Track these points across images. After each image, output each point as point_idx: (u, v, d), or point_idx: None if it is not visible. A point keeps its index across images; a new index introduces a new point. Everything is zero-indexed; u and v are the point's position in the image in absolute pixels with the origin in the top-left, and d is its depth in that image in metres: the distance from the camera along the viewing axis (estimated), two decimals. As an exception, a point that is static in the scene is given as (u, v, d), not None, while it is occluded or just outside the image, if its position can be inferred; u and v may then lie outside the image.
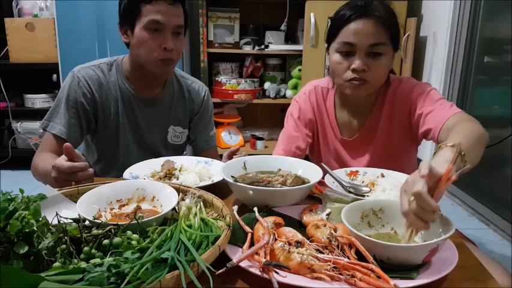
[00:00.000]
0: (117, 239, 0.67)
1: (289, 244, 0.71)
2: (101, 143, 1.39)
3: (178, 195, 0.87)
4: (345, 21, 1.13)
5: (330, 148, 1.33)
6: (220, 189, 1.03)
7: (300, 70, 3.08)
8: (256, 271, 0.66)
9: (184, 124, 1.47)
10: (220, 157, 1.32)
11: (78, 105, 1.29)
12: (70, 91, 1.29)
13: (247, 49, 3.16)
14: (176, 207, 0.82)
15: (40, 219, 0.68)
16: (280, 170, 1.08)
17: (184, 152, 1.56)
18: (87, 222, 0.75)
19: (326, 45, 1.24)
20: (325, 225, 0.77)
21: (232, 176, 1.03)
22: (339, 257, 0.68)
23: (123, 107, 1.35)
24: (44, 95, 3.16)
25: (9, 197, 0.70)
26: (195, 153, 1.52)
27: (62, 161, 0.97)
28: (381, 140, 1.27)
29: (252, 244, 0.74)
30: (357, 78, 1.13)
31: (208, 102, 1.51)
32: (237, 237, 0.77)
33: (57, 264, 0.61)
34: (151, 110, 1.39)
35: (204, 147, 1.51)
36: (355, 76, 1.13)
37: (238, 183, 0.95)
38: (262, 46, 3.14)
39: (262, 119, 3.58)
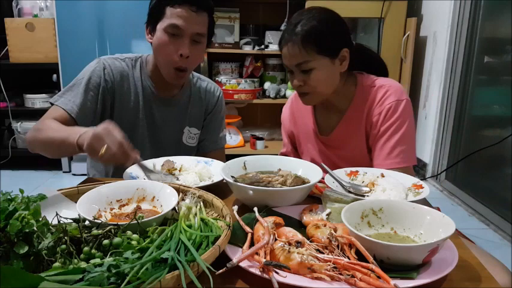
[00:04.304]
0: (117, 239, 0.67)
1: (289, 244, 0.71)
2: None
3: (178, 195, 0.87)
4: (280, 46, 1.25)
5: (314, 146, 1.38)
6: (220, 189, 1.03)
7: (300, 70, 3.08)
8: (256, 271, 0.66)
9: (198, 125, 1.46)
10: (226, 158, 1.32)
11: (99, 89, 1.27)
12: (93, 74, 1.28)
13: (247, 49, 3.16)
14: (176, 207, 0.82)
15: (40, 219, 0.68)
16: (280, 170, 1.08)
17: None
18: (87, 222, 0.75)
19: None
20: (325, 225, 0.77)
21: (232, 176, 1.03)
22: (339, 257, 0.68)
23: (143, 104, 1.35)
24: (44, 95, 3.16)
25: (9, 197, 0.70)
26: (202, 153, 1.48)
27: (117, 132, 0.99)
28: (358, 137, 1.30)
29: (252, 244, 0.74)
30: (299, 93, 1.27)
31: (222, 103, 1.51)
32: (237, 237, 0.77)
33: (57, 264, 0.61)
34: (168, 110, 1.39)
35: (212, 148, 1.50)
36: (298, 91, 1.27)
37: (238, 183, 0.95)
38: (262, 46, 3.14)
39: (262, 119, 3.58)
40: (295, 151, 1.48)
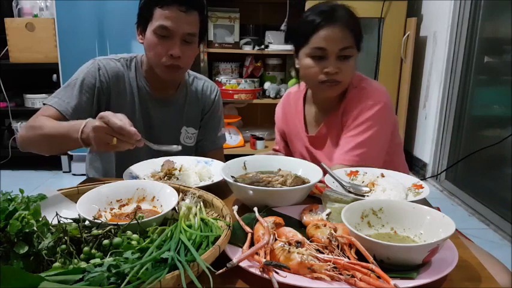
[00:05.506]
0: (117, 239, 0.67)
1: (289, 244, 0.71)
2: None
3: (178, 195, 0.87)
4: (315, 28, 1.19)
5: (302, 144, 1.41)
6: (220, 189, 1.03)
7: (300, 70, 3.08)
8: (256, 271, 0.66)
9: (196, 125, 1.46)
10: (225, 158, 1.31)
11: (94, 91, 1.26)
12: (87, 75, 1.27)
13: (247, 49, 3.16)
14: (176, 207, 0.82)
15: (40, 219, 0.68)
16: (280, 170, 1.08)
17: None
18: (87, 222, 0.75)
19: (293, 48, 1.31)
20: (325, 225, 0.77)
21: (232, 176, 1.03)
22: (339, 257, 0.68)
23: (139, 104, 1.34)
24: (44, 95, 3.16)
25: (9, 197, 0.70)
26: (201, 152, 1.48)
27: (115, 118, 0.95)
28: (336, 136, 1.31)
29: (252, 244, 0.74)
30: (330, 81, 1.20)
31: (219, 102, 1.50)
32: (237, 237, 0.77)
33: (57, 264, 0.61)
34: (165, 110, 1.38)
35: (210, 147, 1.49)
36: (328, 78, 1.20)
37: (238, 183, 0.95)
38: (262, 46, 3.14)
39: (262, 119, 3.58)
40: (288, 148, 1.50)
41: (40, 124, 1.15)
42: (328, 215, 0.88)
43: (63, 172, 3.22)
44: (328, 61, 1.19)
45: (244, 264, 0.68)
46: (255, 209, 0.84)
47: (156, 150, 1.36)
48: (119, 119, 0.96)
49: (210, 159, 1.25)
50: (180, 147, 1.10)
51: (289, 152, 1.49)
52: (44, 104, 1.25)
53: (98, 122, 0.97)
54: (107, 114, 0.96)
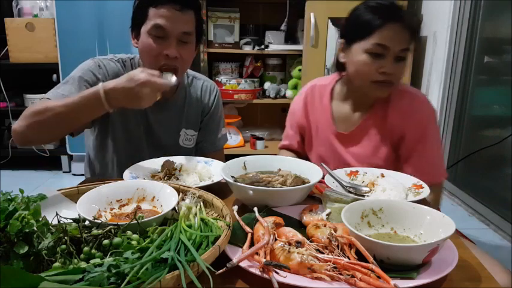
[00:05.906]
0: (117, 239, 0.67)
1: (289, 244, 0.71)
2: (116, 142, 1.35)
3: (178, 195, 0.87)
4: (381, 24, 1.13)
5: (325, 141, 1.35)
6: (220, 189, 1.03)
7: (300, 70, 3.08)
8: (256, 271, 0.66)
9: (195, 127, 1.44)
10: (225, 158, 1.30)
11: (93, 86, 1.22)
12: (88, 72, 1.23)
13: (247, 49, 3.15)
14: (176, 207, 0.82)
15: (40, 219, 0.68)
16: (280, 170, 1.08)
17: None
18: (87, 222, 0.75)
19: (342, 40, 1.24)
20: (325, 225, 0.78)
21: (232, 176, 1.03)
22: (339, 257, 0.68)
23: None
24: (44, 95, 3.15)
25: (9, 197, 0.70)
26: (200, 154, 1.44)
27: (158, 79, 1.03)
28: (378, 136, 1.28)
29: (252, 244, 0.74)
30: (384, 81, 1.16)
31: (219, 102, 1.48)
32: (237, 237, 0.77)
33: (57, 264, 0.61)
34: (164, 113, 1.37)
35: (210, 149, 1.47)
36: (383, 79, 1.15)
37: (238, 183, 0.95)
38: (262, 46, 3.14)
39: (262, 119, 3.58)
40: (303, 144, 1.45)
41: (47, 106, 1.08)
42: (328, 215, 0.88)
43: (63, 172, 3.21)
44: (386, 60, 1.14)
45: (244, 264, 0.68)
46: (255, 209, 0.84)
47: (155, 151, 1.37)
48: (159, 77, 1.04)
49: (210, 159, 1.24)
50: (174, 78, 1.13)
51: (302, 147, 1.45)
52: (40, 99, 1.20)
53: (146, 90, 1.01)
54: (147, 78, 1.01)
